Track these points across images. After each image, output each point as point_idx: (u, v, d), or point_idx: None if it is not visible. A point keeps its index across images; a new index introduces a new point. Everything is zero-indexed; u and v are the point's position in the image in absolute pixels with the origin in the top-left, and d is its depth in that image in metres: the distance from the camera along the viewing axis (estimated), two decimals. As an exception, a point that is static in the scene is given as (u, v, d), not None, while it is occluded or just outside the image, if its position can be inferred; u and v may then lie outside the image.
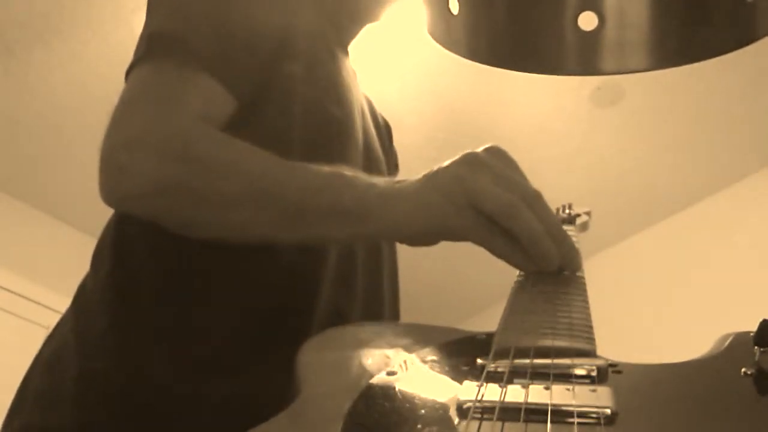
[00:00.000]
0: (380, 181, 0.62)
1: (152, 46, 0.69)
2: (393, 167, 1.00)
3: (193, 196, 0.61)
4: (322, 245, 0.70)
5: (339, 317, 0.70)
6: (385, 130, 0.99)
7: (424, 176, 0.61)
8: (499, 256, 0.58)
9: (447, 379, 0.45)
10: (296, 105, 0.75)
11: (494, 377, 0.42)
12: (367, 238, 0.74)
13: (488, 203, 0.56)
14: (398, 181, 0.62)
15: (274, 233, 0.61)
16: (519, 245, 0.57)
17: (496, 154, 0.62)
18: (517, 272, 0.61)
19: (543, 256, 0.57)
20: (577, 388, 0.40)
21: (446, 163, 0.61)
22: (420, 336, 0.54)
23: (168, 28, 0.70)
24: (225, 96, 0.68)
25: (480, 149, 0.62)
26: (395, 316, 0.84)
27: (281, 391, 0.49)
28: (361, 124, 0.85)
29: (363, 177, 0.62)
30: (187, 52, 0.67)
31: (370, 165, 0.84)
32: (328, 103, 0.78)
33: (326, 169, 0.62)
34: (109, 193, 0.63)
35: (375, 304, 0.78)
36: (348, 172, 0.62)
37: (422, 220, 0.58)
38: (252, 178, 0.61)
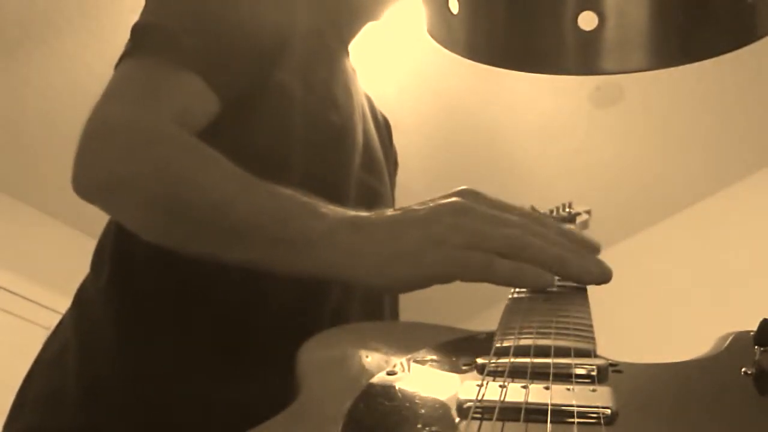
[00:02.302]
0: (345, 217, 0.57)
1: (139, 41, 0.69)
2: (393, 166, 1.00)
3: (143, 199, 0.60)
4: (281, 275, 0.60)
5: (338, 317, 0.70)
6: (385, 129, 0.99)
7: (399, 223, 0.56)
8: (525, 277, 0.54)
9: (447, 379, 0.45)
10: (294, 112, 0.74)
11: (494, 377, 0.42)
12: (331, 279, 0.64)
13: (493, 243, 0.54)
14: (368, 219, 0.57)
15: (216, 251, 0.58)
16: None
17: (473, 195, 0.58)
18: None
19: (578, 271, 0.55)
20: (577, 387, 0.40)
21: (421, 210, 0.56)
22: (420, 335, 0.54)
23: (157, 23, 0.70)
24: (208, 95, 0.66)
25: (454, 193, 0.58)
26: (394, 315, 0.83)
27: (284, 392, 0.49)
28: (361, 125, 0.85)
29: (323, 207, 0.57)
30: (173, 48, 0.67)
31: (369, 167, 0.84)
32: (326, 109, 0.78)
33: (289, 195, 0.58)
34: (72, 179, 0.62)
35: (374, 304, 0.78)
36: (312, 200, 0.57)
37: (413, 270, 0.54)
38: (203, 190, 0.59)
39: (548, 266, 0.54)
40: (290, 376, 0.48)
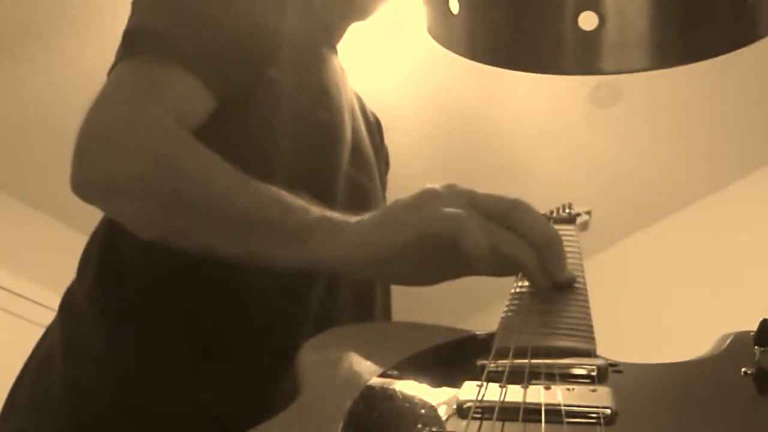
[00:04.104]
0: (337, 215, 0.59)
1: (134, 43, 0.69)
2: (383, 164, 1.00)
3: (143, 195, 0.61)
4: (273, 271, 0.60)
5: (324, 318, 0.69)
6: (375, 128, 0.99)
7: (383, 215, 0.57)
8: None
9: (447, 379, 0.45)
10: (284, 111, 0.74)
11: (494, 377, 0.42)
12: (321, 269, 0.66)
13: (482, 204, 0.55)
14: (356, 219, 0.58)
15: (216, 244, 0.59)
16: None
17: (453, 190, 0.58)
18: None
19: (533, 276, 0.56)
20: (578, 388, 0.40)
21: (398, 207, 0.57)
22: (420, 336, 0.54)
23: (148, 26, 0.70)
24: (204, 95, 0.67)
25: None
26: (387, 315, 0.83)
27: (274, 393, 0.49)
28: (351, 124, 0.85)
29: (317, 208, 0.59)
30: (168, 49, 0.67)
31: (358, 164, 0.84)
32: (316, 108, 0.78)
33: (282, 192, 0.60)
34: (71, 181, 0.62)
35: (366, 304, 0.78)
36: (303, 200, 0.59)
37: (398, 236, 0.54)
38: (205, 184, 0.60)
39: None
40: (289, 376, 0.48)
